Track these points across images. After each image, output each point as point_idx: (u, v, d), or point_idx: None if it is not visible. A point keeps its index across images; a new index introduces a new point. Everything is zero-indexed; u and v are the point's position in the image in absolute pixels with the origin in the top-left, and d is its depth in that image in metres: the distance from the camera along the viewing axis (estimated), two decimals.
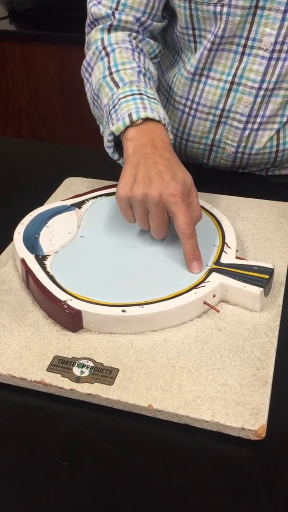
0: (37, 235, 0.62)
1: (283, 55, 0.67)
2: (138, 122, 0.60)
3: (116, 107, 0.62)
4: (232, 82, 0.71)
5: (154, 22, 0.72)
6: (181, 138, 0.80)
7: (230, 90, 0.72)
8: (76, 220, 0.64)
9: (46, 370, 0.47)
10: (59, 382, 0.46)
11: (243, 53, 0.69)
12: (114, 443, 0.43)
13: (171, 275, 0.55)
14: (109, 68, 0.67)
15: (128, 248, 0.59)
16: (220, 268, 0.55)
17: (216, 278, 0.54)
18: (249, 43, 0.68)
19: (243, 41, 0.68)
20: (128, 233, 0.62)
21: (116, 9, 0.70)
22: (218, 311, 0.53)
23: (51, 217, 0.65)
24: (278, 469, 0.41)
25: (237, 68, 0.70)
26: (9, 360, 0.48)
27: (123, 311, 0.50)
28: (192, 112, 0.76)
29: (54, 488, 0.40)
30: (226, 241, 0.59)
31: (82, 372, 0.47)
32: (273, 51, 0.67)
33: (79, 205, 0.67)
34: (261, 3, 0.64)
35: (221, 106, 0.73)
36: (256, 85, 0.70)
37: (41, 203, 0.70)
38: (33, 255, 0.58)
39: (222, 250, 0.58)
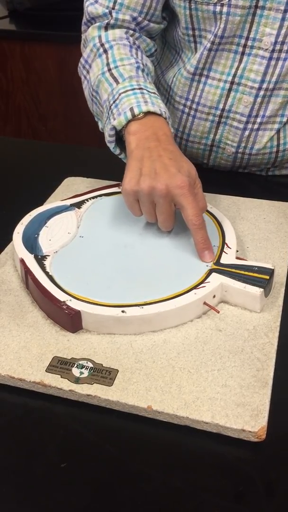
0: (36, 235, 0.61)
1: (283, 55, 0.67)
2: (139, 116, 0.60)
3: (117, 102, 0.62)
4: (232, 82, 0.71)
5: (151, 23, 0.72)
6: (181, 138, 0.80)
7: (230, 90, 0.72)
8: (76, 220, 0.64)
9: (45, 371, 0.47)
10: (58, 383, 0.46)
11: (243, 53, 0.69)
12: (114, 445, 0.43)
13: (171, 276, 0.55)
14: (108, 64, 0.67)
15: (128, 248, 0.59)
16: (220, 268, 0.55)
17: (216, 279, 0.53)
18: (249, 43, 0.67)
19: (243, 41, 0.68)
20: (127, 233, 0.61)
21: (113, 8, 0.70)
22: (218, 312, 0.53)
23: (50, 217, 0.65)
24: (279, 470, 0.41)
25: (237, 68, 0.70)
26: (8, 361, 0.48)
27: (122, 311, 0.50)
28: (192, 112, 0.76)
29: (53, 490, 0.40)
30: (226, 241, 0.59)
31: (81, 373, 0.47)
32: (273, 51, 0.67)
33: (78, 205, 0.67)
34: (261, 3, 0.64)
35: (221, 106, 0.73)
36: (256, 85, 0.69)
37: (40, 203, 0.70)
38: (33, 255, 0.57)
39: (222, 251, 0.58)
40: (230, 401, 0.44)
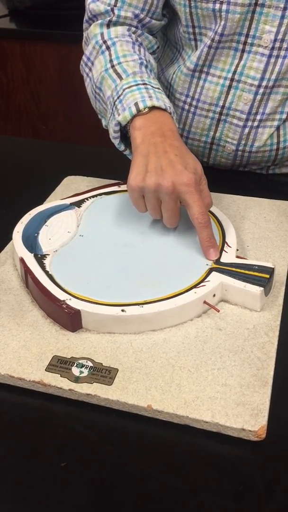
0: (36, 234, 0.61)
1: (282, 52, 0.66)
2: (144, 111, 0.60)
3: (121, 98, 0.62)
4: (232, 79, 0.71)
5: (153, 20, 0.72)
6: (181, 136, 0.79)
7: (230, 87, 0.71)
8: (76, 219, 0.64)
9: (45, 370, 0.47)
10: (58, 382, 0.46)
11: (243, 51, 0.68)
12: (113, 444, 0.43)
13: (171, 275, 0.54)
14: (111, 61, 0.67)
15: (128, 247, 0.59)
16: (220, 267, 0.55)
17: (216, 278, 0.53)
18: (249, 40, 0.67)
19: (243, 39, 0.67)
20: (127, 233, 0.61)
21: (115, 5, 0.70)
22: (218, 311, 0.53)
23: (50, 216, 0.64)
24: (278, 470, 0.41)
25: (237, 66, 0.70)
26: (7, 360, 0.48)
27: (122, 310, 0.50)
28: (192, 109, 0.76)
29: (53, 489, 0.40)
30: (226, 240, 0.59)
31: (81, 372, 0.47)
32: (272, 48, 0.66)
33: (78, 204, 0.67)
34: (260, 1, 0.64)
35: (221, 103, 0.73)
36: (256, 83, 0.69)
37: (40, 202, 0.70)
38: (32, 254, 0.57)
39: (222, 249, 0.58)
40: (230, 400, 0.44)
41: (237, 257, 0.57)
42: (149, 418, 0.44)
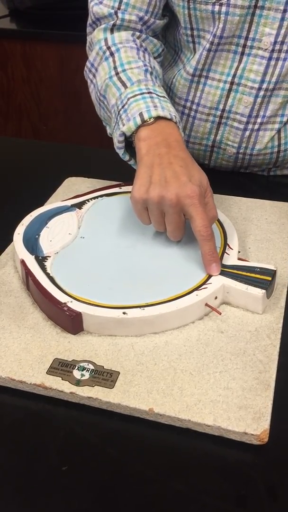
0: (37, 236, 0.61)
1: (282, 55, 0.66)
2: (149, 121, 0.59)
3: (126, 107, 0.61)
4: (232, 83, 0.71)
5: (157, 20, 0.71)
6: None
7: (230, 90, 0.71)
8: (77, 221, 0.63)
9: (46, 373, 0.47)
10: (59, 385, 0.46)
11: (242, 53, 0.68)
12: (115, 447, 0.42)
13: (173, 277, 0.54)
14: (115, 68, 0.66)
15: (129, 249, 0.59)
16: (222, 269, 0.55)
17: (218, 280, 0.53)
18: (249, 43, 0.67)
19: (242, 41, 0.67)
20: (129, 234, 0.61)
21: (119, 8, 0.69)
22: (220, 313, 0.52)
23: (51, 217, 0.64)
24: (281, 474, 0.41)
25: (237, 69, 0.69)
26: (8, 363, 0.48)
27: (124, 313, 0.50)
28: (192, 113, 0.75)
29: (54, 493, 0.40)
30: (228, 242, 0.59)
31: (82, 375, 0.47)
32: (272, 51, 0.66)
33: (79, 205, 0.67)
34: (260, 3, 0.63)
35: (221, 106, 0.73)
36: (256, 85, 0.69)
37: (41, 204, 0.70)
38: (33, 256, 0.57)
39: (224, 251, 0.57)
40: (232, 403, 0.44)
41: (239, 259, 0.57)
42: (150, 421, 0.44)
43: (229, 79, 0.71)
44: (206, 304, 0.52)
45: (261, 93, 0.69)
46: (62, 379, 0.46)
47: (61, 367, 0.47)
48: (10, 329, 0.52)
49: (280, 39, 0.65)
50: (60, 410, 0.45)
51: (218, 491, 0.39)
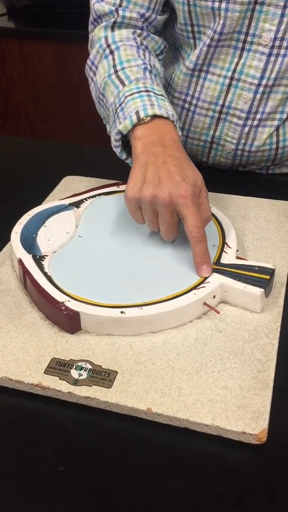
0: (34, 235, 0.61)
1: (282, 51, 0.66)
2: (146, 120, 0.59)
3: (123, 105, 0.61)
4: (231, 78, 0.70)
5: (158, 16, 0.71)
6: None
7: (229, 86, 0.71)
8: (74, 220, 0.63)
9: (44, 372, 0.47)
10: (57, 385, 0.45)
11: (242, 49, 0.68)
12: (113, 447, 0.42)
13: (171, 276, 0.54)
14: (114, 66, 0.65)
15: (127, 248, 0.58)
16: (220, 268, 0.54)
17: (216, 279, 0.53)
18: (249, 39, 0.67)
19: (242, 37, 0.67)
20: (127, 233, 0.61)
21: (120, 5, 0.69)
22: (218, 312, 0.52)
23: (49, 216, 0.64)
24: (280, 473, 0.40)
25: (237, 64, 0.69)
26: (6, 363, 0.48)
27: (121, 312, 0.49)
28: (192, 108, 0.75)
29: (52, 493, 0.39)
30: (226, 241, 0.59)
31: (80, 374, 0.46)
32: (272, 47, 0.66)
33: (77, 204, 0.66)
34: None
35: (220, 102, 0.73)
36: (256, 81, 0.69)
37: (39, 203, 0.69)
38: (31, 255, 0.57)
39: (222, 250, 0.57)
40: (230, 403, 0.44)
41: (237, 258, 0.57)
42: (148, 421, 0.44)
43: (229, 74, 0.70)
44: (204, 303, 0.52)
45: (261, 89, 0.69)
46: (59, 378, 0.46)
47: (58, 367, 0.47)
48: (7, 328, 0.51)
49: (280, 35, 0.65)
50: (58, 410, 0.45)
51: (216, 491, 0.39)
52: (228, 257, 0.56)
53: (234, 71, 0.70)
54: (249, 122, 0.72)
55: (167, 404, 0.44)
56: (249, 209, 0.68)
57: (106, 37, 0.69)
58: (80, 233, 0.61)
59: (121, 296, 0.51)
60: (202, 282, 0.53)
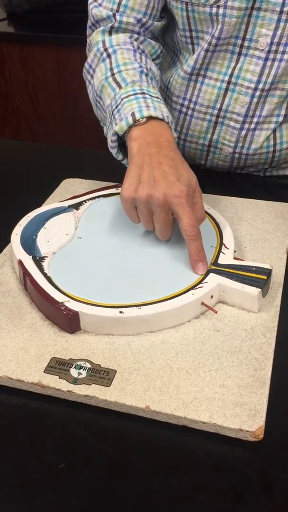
0: (34, 237, 0.61)
1: (278, 55, 0.67)
2: (141, 121, 0.60)
3: (119, 107, 0.62)
4: (228, 82, 0.71)
5: (155, 22, 0.72)
6: (178, 138, 0.80)
7: (227, 90, 0.72)
8: (74, 221, 0.64)
9: (44, 371, 0.47)
10: (57, 384, 0.46)
11: (239, 54, 0.69)
12: (112, 445, 0.43)
13: (169, 276, 0.55)
14: (111, 69, 0.66)
15: (126, 249, 0.59)
16: (218, 268, 0.55)
17: (214, 279, 0.54)
18: (246, 43, 0.68)
19: (239, 42, 0.68)
20: (125, 234, 0.61)
21: (117, 10, 0.70)
22: (216, 312, 0.53)
23: (48, 218, 0.65)
24: (277, 470, 0.41)
25: (234, 68, 0.70)
26: (6, 362, 0.48)
27: (120, 312, 0.50)
28: (190, 112, 0.76)
29: (52, 490, 0.40)
30: (224, 241, 0.59)
31: (79, 373, 0.47)
32: (269, 51, 0.67)
33: (77, 206, 0.67)
34: (257, 4, 0.64)
35: (218, 106, 0.73)
36: (253, 85, 0.70)
37: (39, 204, 0.70)
38: (31, 256, 0.58)
39: (219, 251, 0.58)
40: (228, 401, 0.44)
41: (235, 258, 0.57)
42: (147, 419, 0.44)
43: (226, 78, 0.71)
44: (202, 303, 0.52)
45: (257, 93, 0.70)
46: (59, 377, 0.47)
47: (58, 366, 0.48)
48: (8, 328, 0.52)
49: (276, 40, 0.66)
50: (58, 409, 0.46)
51: (214, 488, 0.40)
52: (226, 258, 0.57)
53: (231, 75, 0.71)
54: (246, 126, 0.73)
55: (165, 402, 0.44)
56: (247, 210, 0.69)
57: (103, 41, 0.70)
58: (80, 234, 0.62)
59: (120, 296, 0.52)
60: (200, 282, 0.53)
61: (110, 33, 0.71)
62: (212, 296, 0.53)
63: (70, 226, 0.63)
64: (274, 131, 0.74)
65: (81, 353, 0.49)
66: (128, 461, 0.42)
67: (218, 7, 0.65)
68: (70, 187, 0.76)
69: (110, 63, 0.67)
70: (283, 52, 0.66)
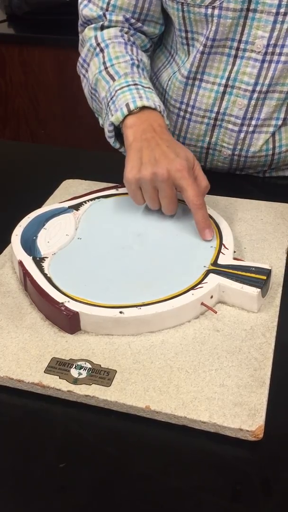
0: (34, 237, 0.62)
1: (275, 57, 0.67)
2: (135, 111, 0.63)
3: (114, 99, 0.65)
4: (226, 85, 0.72)
5: (145, 26, 0.75)
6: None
7: (224, 93, 0.72)
8: (74, 222, 0.64)
9: (44, 372, 0.47)
10: (57, 384, 0.46)
11: (236, 56, 0.69)
12: (112, 445, 0.43)
13: (169, 277, 0.55)
14: (104, 63, 0.70)
15: (126, 250, 0.59)
16: (218, 269, 0.55)
17: (214, 279, 0.54)
18: (242, 46, 0.68)
19: (235, 44, 0.68)
20: (125, 235, 0.62)
21: (107, 9, 0.73)
22: (216, 312, 0.53)
23: (49, 219, 0.65)
24: (276, 470, 0.41)
25: (231, 71, 0.70)
26: (6, 362, 0.48)
27: (120, 312, 0.50)
28: (188, 116, 0.76)
29: (52, 490, 0.40)
30: (223, 242, 0.60)
31: (79, 373, 0.47)
32: (265, 53, 0.67)
33: (76, 207, 0.67)
34: (252, 6, 0.64)
35: (215, 109, 0.74)
36: (250, 88, 0.70)
37: (39, 205, 0.70)
38: (31, 257, 0.58)
39: (219, 251, 0.58)
40: (227, 400, 0.44)
41: (235, 259, 0.58)
42: (147, 419, 0.45)
43: (223, 81, 0.71)
44: (202, 303, 0.52)
45: (255, 95, 0.70)
46: (59, 377, 0.47)
47: (58, 366, 0.48)
48: (8, 329, 0.52)
49: (273, 41, 0.66)
50: (58, 409, 0.46)
51: (214, 487, 0.40)
52: (226, 258, 0.57)
53: (228, 78, 0.71)
54: (245, 128, 0.73)
55: (165, 402, 0.44)
56: (246, 211, 0.69)
57: (95, 36, 0.73)
58: (80, 235, 0.62)
59: (120, 296, 0.52)
60: (199, 283, 0.53)
61: (101, 29, 0.74)
62: (211, 296, 0.53)
63: (70, 227, 0.63)
64: (273, 134, 0.74)
65: (81, 353, 0.49)
66: (128, 460, 0.42)
67: (214, 8, 0.65)
68: (70, 188, 0.76)
69: (103, 57, 0.70)
70: (280, 54, 0.67)
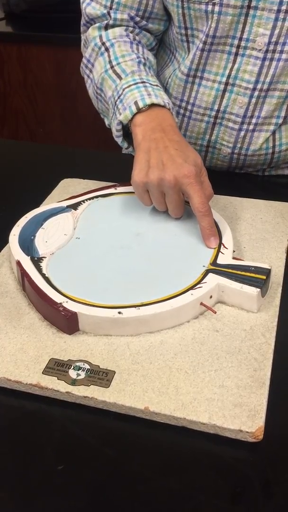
0: (32, 237, 0.61)
1: (277, 55, 0.66)
2: (144, 109, 0.62)
3: (122, 97, 0.64)
4: (226, 83, 0.71)
5: (149, 24, 0.73)
6: None
7: (224, 91, 0.72)
8: (72, 222, 0.64)
9: (42, 373, 0.47)
10: (55, 385, 0.46)
11: (236, 54, 0.69)
12: (110, 446, 0.43)
13: (168, 276, 0.54)
14: (110, 62, 0.69)
15: (124, 250, 0.59)
16: (217, 268, 0.55)
17: (213, 279, 0.53)
18: (243, 43, 0.67)
19: (236, 42, 0.68)
20: (124, 235, 0.61)
21: (111, 7, 0.71)
22: (215, 312, 0.53)
23: (47, 218, 0.64)
24: (276, 471, 0.41)
25: (231, 69, 0.70)
26: (4, 363, 0.48)
27: (119, 312, 0.50)
28: (187, 113, 0.76)
29: (50, 492, 0.40)
30: (222, 241, 0.59)
31: (78, 374, 0.47)
32: (266, 51, 0.66)
33: (75, 206, 0.67)
34: (253, 3, 0.64)
35: (216, 107, 0.73)
36: (251, 86, 0.69)
37: (37, 205, 0.70)
38: (29, 257, 0.57)
39: (218, 251, 0.58)
40: (227, 401, 0.44)
41: (234, 258, 0.57)
42: (146, 420, 0.44)
43: (224, 79, 0.71)
44: (201, 303, 0.52)
45: (256, 93, 0.70)
46: (58, 378, 0.46)
47: (57, 367, 0.47)
48: (6, 329, 0.52)
49: (274, 39, 0.66)
50: (56, 410, 0.46)
51: (213, 489, 0.39)
52: (225, 258, 0.57)
53: (228, 76, 0.71)
54: (245, 127, 0.73)
55: (165, 403, 0.44)
56: (246, 210, 0.69)
57: (100, 36, 0.72)
58: (78, 235, 0.62)
59: (118, 296, 0.52)
60: (199, 282, 0.53)
61: (106, 28, 0.73)
62: (211, 296, 0.53)
63: (69, 227, 0.63)
64: (273, 133, 0.74)
65: (80, 354, 0.49)
66: (127, 462, 0.41)
67: (214, 4, 0.65)
68: (69, 187, 0.75)
69: (109, 56, 0.69)
70: (281, 52, 0.66)
